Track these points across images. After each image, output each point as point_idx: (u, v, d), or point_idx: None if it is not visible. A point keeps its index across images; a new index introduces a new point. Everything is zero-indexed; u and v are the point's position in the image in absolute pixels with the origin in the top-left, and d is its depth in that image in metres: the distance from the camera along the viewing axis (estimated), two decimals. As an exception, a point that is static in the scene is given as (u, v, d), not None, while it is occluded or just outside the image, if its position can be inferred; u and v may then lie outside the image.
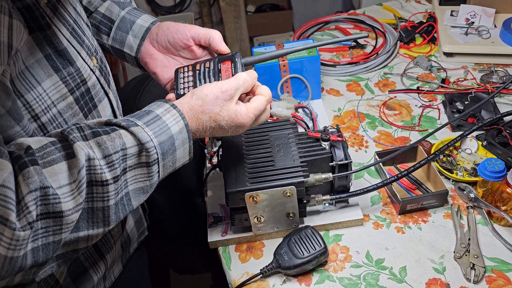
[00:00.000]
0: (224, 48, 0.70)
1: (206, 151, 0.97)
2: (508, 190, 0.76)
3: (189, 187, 1.00)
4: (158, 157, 0.56)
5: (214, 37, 0.70)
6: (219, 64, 0.69)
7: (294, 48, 0.71)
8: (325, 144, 0.79)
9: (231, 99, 0.62)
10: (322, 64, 1.22)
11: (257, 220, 0.78)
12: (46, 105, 0.56)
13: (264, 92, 0.66)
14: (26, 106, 0.53)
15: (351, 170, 0.79)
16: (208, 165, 0.96)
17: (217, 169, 0.94)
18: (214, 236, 0.83)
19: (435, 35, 1.25)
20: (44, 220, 0.46)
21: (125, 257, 0.83)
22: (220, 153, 0.84)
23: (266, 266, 0.76)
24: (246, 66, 0.71)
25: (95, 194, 0.51)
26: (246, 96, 0.68)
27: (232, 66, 0.68)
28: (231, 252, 0.82)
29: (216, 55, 0.72)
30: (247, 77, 0.64)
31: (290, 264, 0.74)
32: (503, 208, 0.78)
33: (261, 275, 0.76)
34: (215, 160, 0.95)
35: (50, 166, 0.48)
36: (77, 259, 0.71)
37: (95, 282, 0.74)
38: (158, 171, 0.57)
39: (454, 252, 0.76)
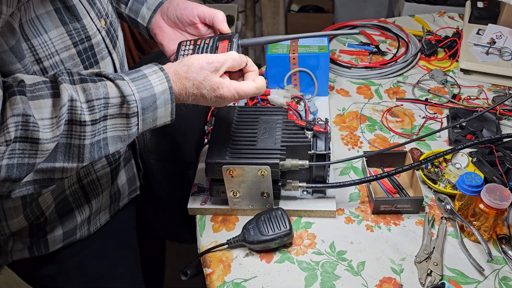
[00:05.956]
0: (225, 28, 0.76)
1: (206, 127, 1.03)
2: (481, 206, 0.76)
3: (187, 159, 1.05)
4: (138, 111, 0.62)
5: (218, 16, 0.76)
6: (218, 42, 0.74)
7: (299, 35, 0.73)
8: (308, 133, 0.82)
9: (216, 71, 0.66)
10: (339, 64, 1.24)
11: (233, 194, 0.82)
12: (50, 52, 0.63)
13: (258, 81, 0.70)
14: (31, 49, 0.61)
15: (329, 161, 0.82)
16: (206, 140, 1.02)
17: (212, 145, 0.99)
18: (194, 204, 0.88)
19: (457, 51, 1.24)
20: (22, 143, 0.54)
21: (113, 209, 0.90)
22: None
23: (233, 238, 0.80)
24: (244, 47, 0.76)
25: (74, 132, 0.58)
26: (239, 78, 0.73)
27: (229, 45, 0.72)
28: (207, 221, 0.87)
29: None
30: (236, 56, 0.69)
31: (255, 239, 0.78)
32: (476, 224, 0.78)
33: (227, 245, 0.80)
34: (212, 136, 1.01)
35: (37, 99, 0.55)
36: (66, 198, 0.79)
37: (78, 222, 0.82)
38: (137, 124, 0.63)
39: (415, 256, 0.77)
